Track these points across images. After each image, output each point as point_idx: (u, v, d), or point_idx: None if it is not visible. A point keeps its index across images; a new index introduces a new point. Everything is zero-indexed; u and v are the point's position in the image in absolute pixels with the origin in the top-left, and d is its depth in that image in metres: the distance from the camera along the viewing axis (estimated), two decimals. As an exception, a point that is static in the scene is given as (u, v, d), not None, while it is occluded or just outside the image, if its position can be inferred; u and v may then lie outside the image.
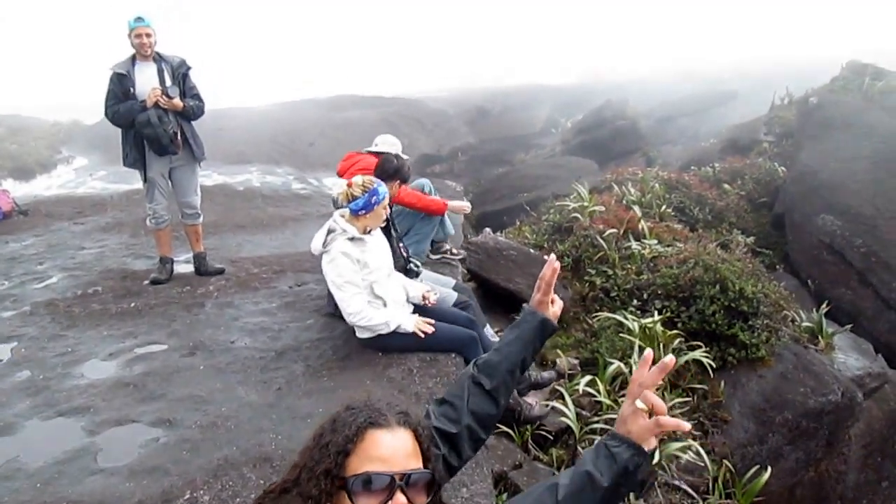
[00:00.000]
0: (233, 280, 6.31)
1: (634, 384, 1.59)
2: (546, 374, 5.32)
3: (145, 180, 6.05)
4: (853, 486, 6.24)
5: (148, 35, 5.79)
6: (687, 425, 1.58)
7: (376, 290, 4.37)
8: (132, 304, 5.76)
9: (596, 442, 1.58)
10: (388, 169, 5.19)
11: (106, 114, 5.87)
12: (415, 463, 1.58)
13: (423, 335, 4.35)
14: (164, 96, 5.77)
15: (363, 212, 4.33)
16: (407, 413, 1.64)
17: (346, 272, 4.24)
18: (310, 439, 1.63)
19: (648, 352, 1.62)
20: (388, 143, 5.96)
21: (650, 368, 1.60)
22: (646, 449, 1.53)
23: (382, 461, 1.53)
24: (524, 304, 2.14)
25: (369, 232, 4.44)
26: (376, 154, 5.70)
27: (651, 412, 1.55)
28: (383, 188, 4.43)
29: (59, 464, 3.53)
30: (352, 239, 4.31)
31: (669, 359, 1.58)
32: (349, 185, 4.37)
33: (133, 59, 5.85)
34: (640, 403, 1.55)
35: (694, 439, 4.96)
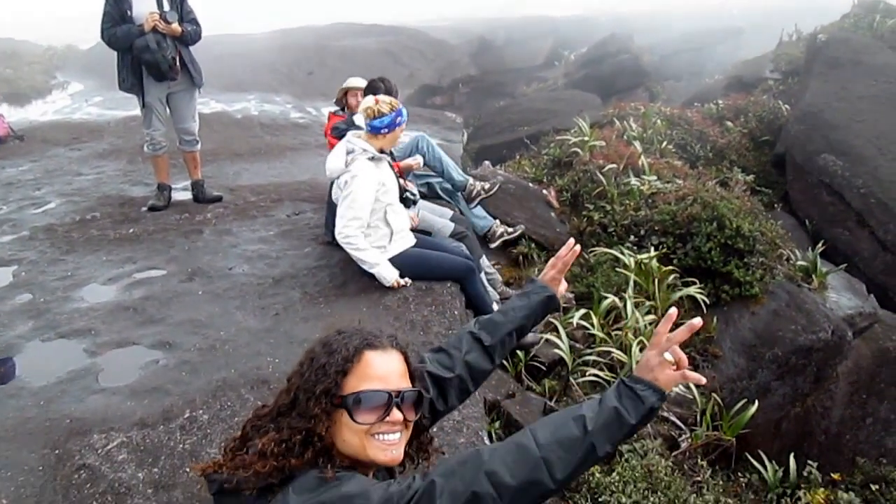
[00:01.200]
0: (231, 208, 6.31)
1: (661, 337, 1.70)
2: (531, 336, 5.28)
3: (143, 106, 5.97)
4: (838, 421, 6.39)
5: None
6: (704, 379, 1.73)
7: (389, 214, 4.38)
8: (130, 231, 5.77)
9: (616, 383, 1.69)
10: (378, 92, 5.09)
11: (102, 36, 5.73)
12: (406, 382, 1.69)
13: (399, 285, 4.41)
14: (162, 21, 5.64)
15: (385, 130, 4.31)
16: (396, 336, 1.75)
17: (366, 192, 4.22)
18: (300, 364, 1.71)
19: (672, 311, 1.75)
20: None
21: (672, 326, 1.73)
22: (666, 393, 1.67)
23: (379, 380, 1.62)
24: (534, 278, 2.23)
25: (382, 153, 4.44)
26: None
27: (676, 364, 1.69)
28: (406, 112, 4.42)
29: (61, 383, 3.61)
30: (371, 158, 4.30)
31: (697, 321, 1.71)
32: (376, 102, 4.32)
33: None
34: (668, 356, 1.68)
35: (684, 373, 5.06)
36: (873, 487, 5.32)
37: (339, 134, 4.96)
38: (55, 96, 15.38)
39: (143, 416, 3.24)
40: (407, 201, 4.88)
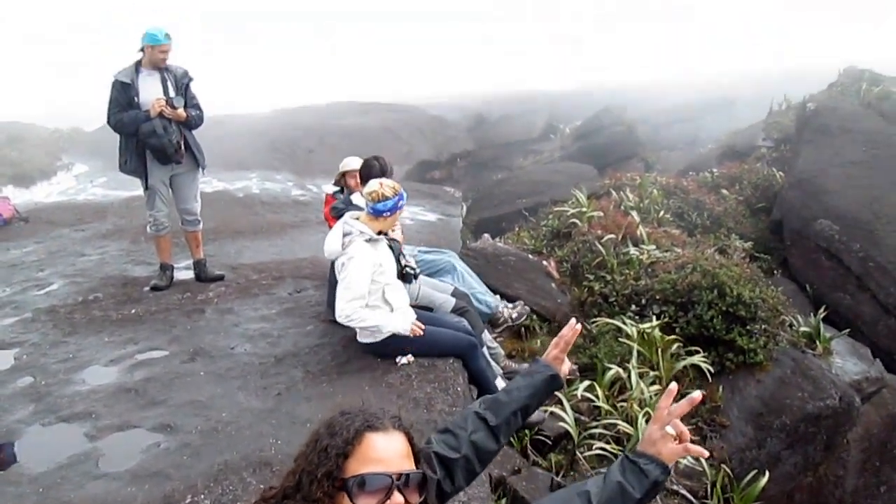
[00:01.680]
0: (232, 286, 6.34)
1: (663, 411, 1.75)
2: (536, 415, 5.22)
3: (146, 188, 6.09)
4: (852, 490, 6.26)
5: (169, 51, 5.87)
6: (706, 452, 1.80)
7: (388, 293, 4.41)
8: (133, 311, 5.78)
9: (619, 458, 1.74)
10: (374, 174, 5.17)
11: (109, 121, 5.89)
12: (409, 464, 1.66)
13: (420, 331, 4.40)
14: (168, 106, 5.81)
15: (388, 213, 4.39)
16: (399, 417, 1.73)
17: (362, 274, 4.26)
18: (305, 445, 1.69)
19: (673, 385, 1.79)
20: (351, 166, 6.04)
21: (674, 400, 1.77)
22: (669, 467, 1.71)
23: (380, 462, 1.60)
24: (537, 357, 2.26)
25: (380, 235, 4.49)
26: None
27: (678, 437, 1.73)
28: (406, 195, 4.51)
29: (61, 469, 3.56)
30: (369, 240, 4.35)
31: (697, 394, 1.76)
32: (381, 185, 4.40)
33: (137, 67, 5.87)
34: (670, 430, 1.72)
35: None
36: (893, 560, 5.17)
37: (337, 214, 5.03)
38: (60, 178, 15.64)
39: (143, 502, 3.19)
40: (407, 276, 4.92)
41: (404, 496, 1.60)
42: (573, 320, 2.26)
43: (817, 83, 16.58)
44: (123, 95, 5.80)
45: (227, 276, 6.61)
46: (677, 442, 1.72)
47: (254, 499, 1.73)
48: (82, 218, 9.82)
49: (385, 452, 1.62)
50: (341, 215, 4.65)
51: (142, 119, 5.76)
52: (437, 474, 1.90)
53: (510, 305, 6.50)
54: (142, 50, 5.84)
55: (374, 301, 4.38)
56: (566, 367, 2.25)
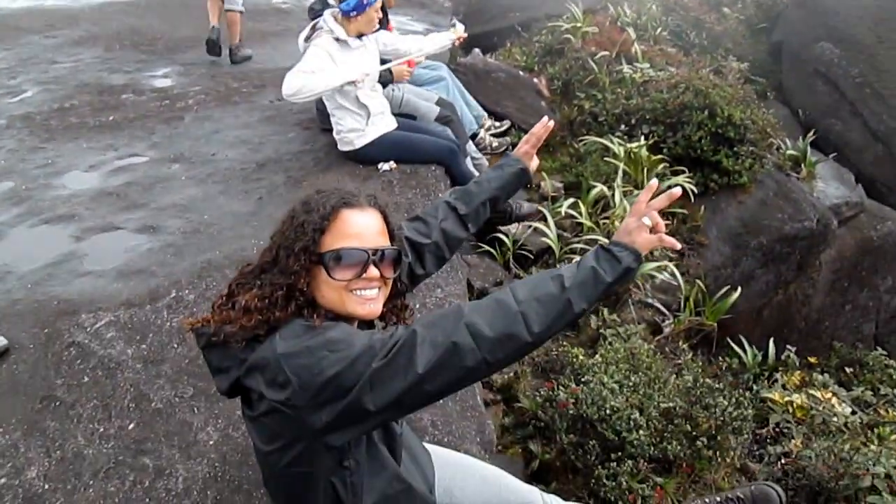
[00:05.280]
0: (212, 94, 6.16)
1: (641, 205, 1.75)
2: (527, 206, 5.33)
3: None
4: (818, 308, 6.52)
5: None
6: (678, 244, 1.80)
7: (361, 98, 4.26)
8: (110, 118, 5.65)
9: (595, 247, 1.74)
10: None
11: None
12: (384, 240, 1.72)
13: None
14: None
15: (355, 13, 4.12)
16: (375, 196, 1.76)
17: (313, 62, 4.04)
18: (282, 222, 1.72)
19: (654, 181, 1.84)
20: None
21: (653, 195, 1.78)
22: (642, 255, 1.71)
23: (355, 237, 1.64)
24: (508, 152, 2.28)
25: (360, 38, 4.26)
26: None
27: (653, 229, 1.73)
28: None
29: (48, 267, 3.63)
30: (337, 39, 4.15)
31: (677, 190, 1.76)
32: None
33: None
34: (647, 220, 1.72)
35: (670, 261, 5.10)
36: (848, 370, 5.48)
37: (314, 15, 4.75)
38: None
39: (129, 296, 3.27)
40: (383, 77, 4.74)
41: (379, 270, 1.65)
42: (545, 118, 2.26)
43: None
44: None
45: (205, 84, 6.43)
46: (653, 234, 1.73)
47: (236, 273, 1.78)
48: (53, 24, 9.31)
49: (361, 228, 1.66)
50: (318, 15, 4.41)
51: None
52: (408, 258, 1.96)
53: (497, 125, 6.40)
54: None
55: (348, 104, 4.25)
56: (535, 162, 2.31)
